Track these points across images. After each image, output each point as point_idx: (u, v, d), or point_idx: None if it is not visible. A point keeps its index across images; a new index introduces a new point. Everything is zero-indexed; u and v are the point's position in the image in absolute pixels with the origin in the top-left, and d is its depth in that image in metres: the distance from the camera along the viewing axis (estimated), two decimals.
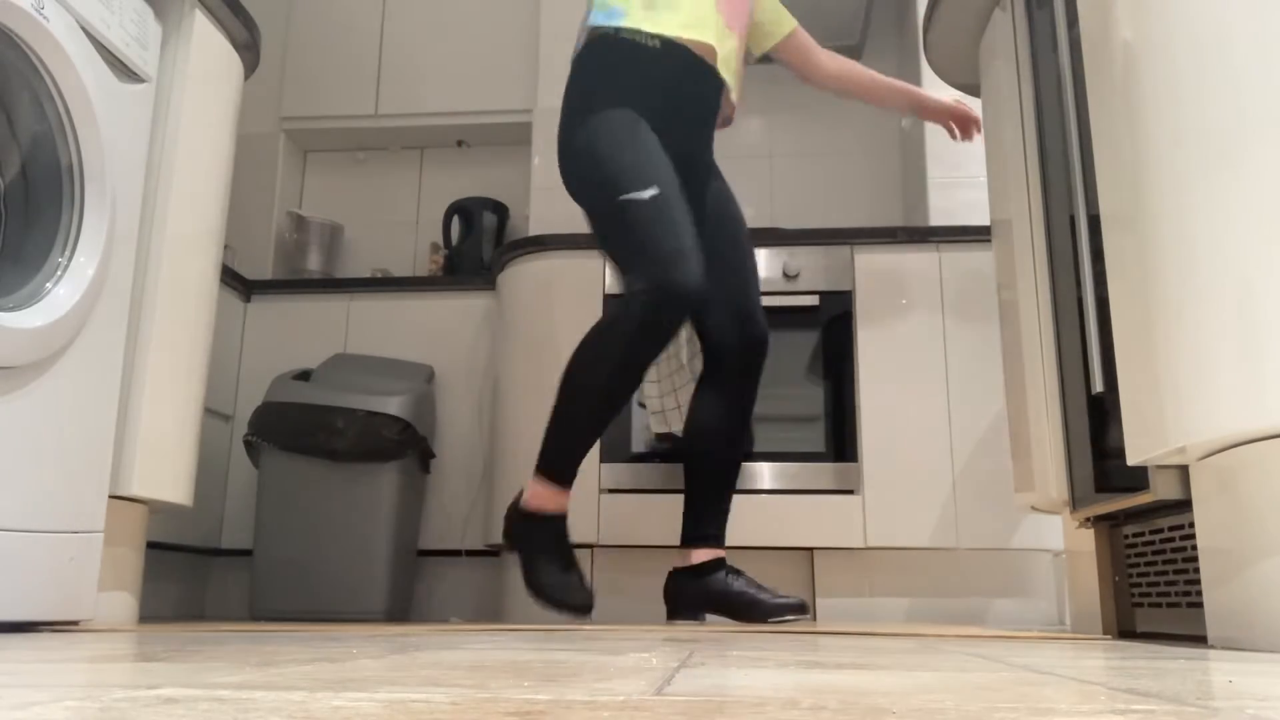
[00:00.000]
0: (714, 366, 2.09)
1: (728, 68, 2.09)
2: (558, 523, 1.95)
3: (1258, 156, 1.12)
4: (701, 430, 2.08)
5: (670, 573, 2.12)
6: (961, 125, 2.34)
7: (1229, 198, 1.14)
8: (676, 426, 2.50)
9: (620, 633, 1.55)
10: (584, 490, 2.54)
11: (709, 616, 2.08)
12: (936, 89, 2.96)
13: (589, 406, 1.89)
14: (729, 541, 2.48)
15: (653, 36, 2.01)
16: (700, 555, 2.06)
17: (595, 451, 2.55)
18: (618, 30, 2.02)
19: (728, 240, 2.10)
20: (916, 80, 3.15)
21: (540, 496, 1.94)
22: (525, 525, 1.95)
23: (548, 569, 1.92)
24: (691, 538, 2.08)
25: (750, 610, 1.98)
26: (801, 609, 1.98)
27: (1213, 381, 1.15)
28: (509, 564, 2.70)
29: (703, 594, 2.04)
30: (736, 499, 2.50)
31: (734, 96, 2.13)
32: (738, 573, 2.05)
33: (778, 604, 1.97)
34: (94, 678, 0.64)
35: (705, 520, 2.08)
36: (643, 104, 1.99)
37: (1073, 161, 1.56)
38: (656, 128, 1.98)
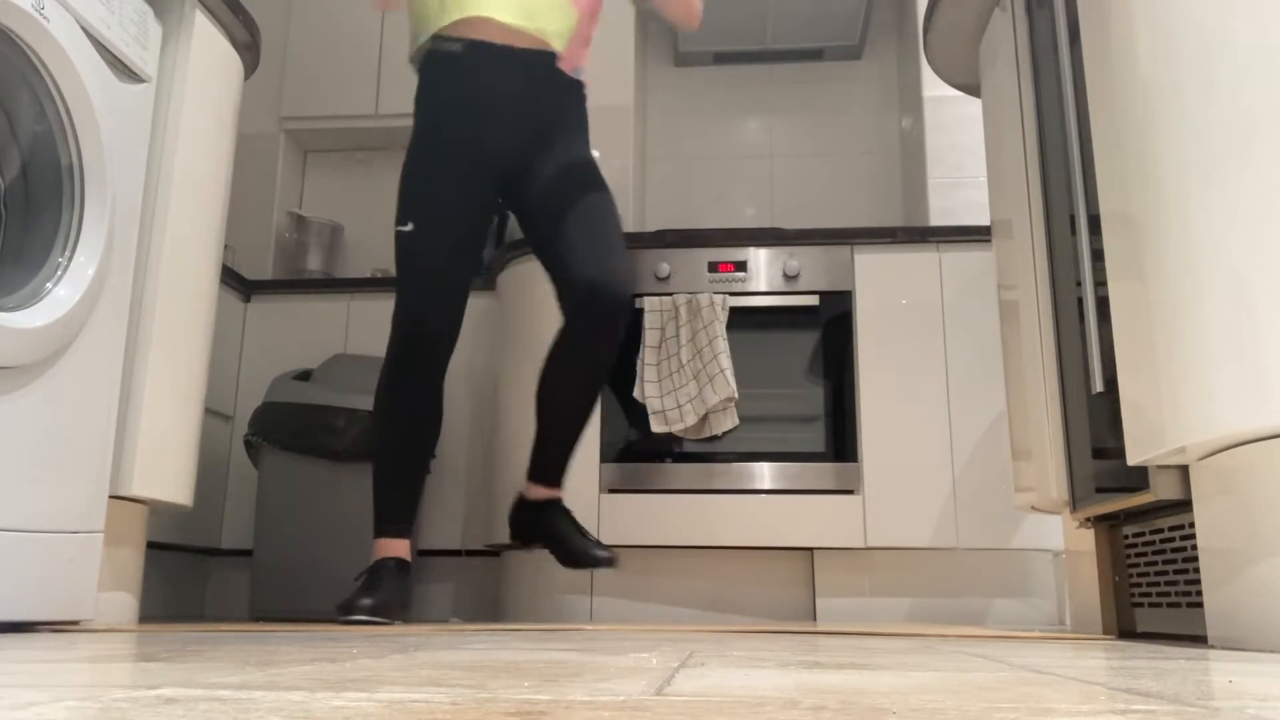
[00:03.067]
0: (568, 322, 2.05)
1: (534, 24, 2.03)
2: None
3: (1258, 156, 1.12)
4: (547, 378, 2.07)
5: (516, 502, 2.14)
6: None
7: (1229, 197, 1.14)
8: (676, 426, 2.50)
9: (620, 633, 1.55)
10: (584, 490, 2.54)
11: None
12: (936, 89, 2.96)
13: (391, 456, 2.04)
14: (727, 540, 2.48)
15: (450, 40, 2.03)
16: (539, 493, 2.08)
17: (595, 451, 2.56)
18: (427, 42, 2.07)
19: (561, 219, 2.03)
20: (917, 80, 3.15)
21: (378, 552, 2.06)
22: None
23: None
24: (536, 476, 2.10)
25: (570, 557, 2.02)
26: (610, 563, 1.99)
27: (1213, 382, 1.15)
28: (509, 564, 2.70)
29: (538, 528, 2.08)
30: (737, 498, 2.50)
31: (558, 46, 2.05)
32: (566, 514, 2.07)
33: (592, 554, 1.99)
34: (94, 678, 0.64)
35: (550, 463, 2.08)
36: (441, 118, 2.05)
37: (1073, 161, 1.57)
38: (461, 139, 2.03)
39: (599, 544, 2.01)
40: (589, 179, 2.08)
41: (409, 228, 2.00)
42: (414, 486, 2.06)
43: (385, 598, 1.93)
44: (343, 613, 1.91)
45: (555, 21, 2.04)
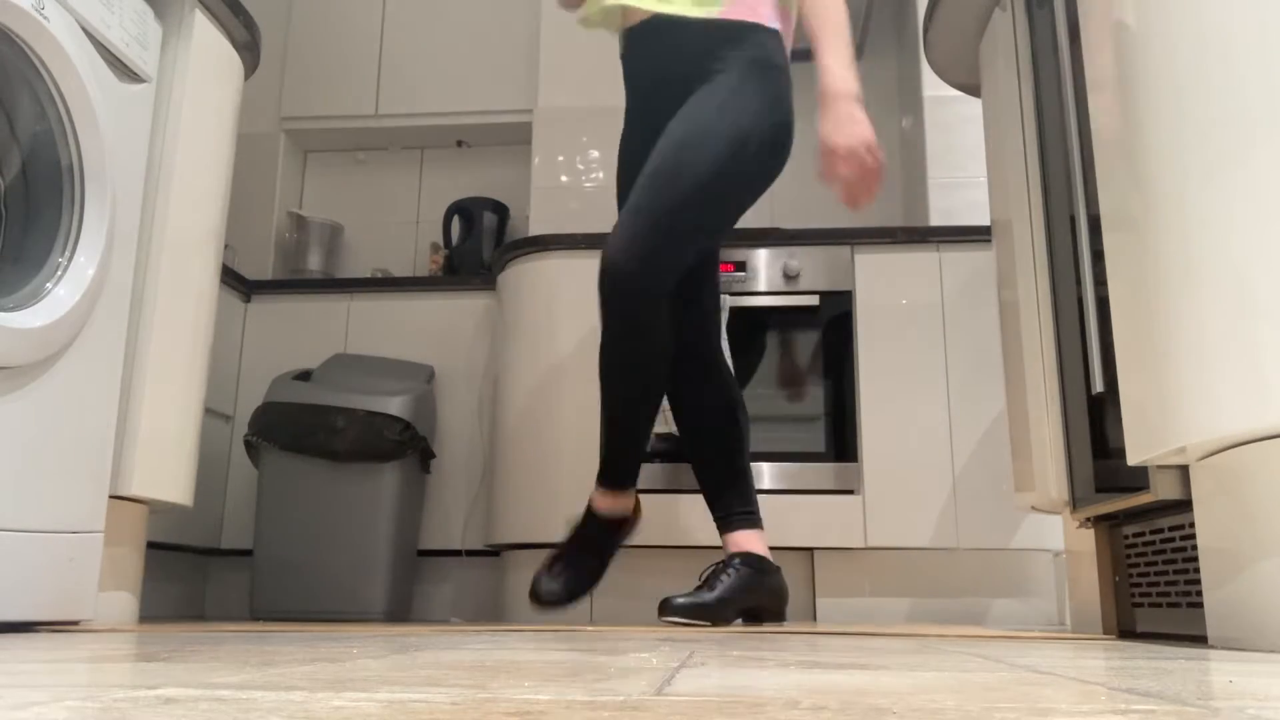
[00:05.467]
0: None
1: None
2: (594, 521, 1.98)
3: (1259, 156, 1.12)
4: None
5: None
6: (840, 182, 1.90)
7: (1230, 197, 1.14)
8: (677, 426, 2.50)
9: (620, 633, 1.55)
10: (583, 490, 2.54)
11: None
12: (936, 89, 2.96)
13: (614, 412, 1.94)
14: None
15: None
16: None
17: (594, 452, 2.55)
18: None
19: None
20: (917, 80, 3.15)
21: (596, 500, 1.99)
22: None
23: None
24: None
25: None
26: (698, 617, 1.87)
27: (1213, 381, 1.15)
28: (509, 564, 2.70)
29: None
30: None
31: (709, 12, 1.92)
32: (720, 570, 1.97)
33: (680, 604, 1.87)
34: (94, 678, 0.64)
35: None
36: (631, 105, 2.08)
37: (1073, 161, 1.57)
38: (643, 111, 2.03)
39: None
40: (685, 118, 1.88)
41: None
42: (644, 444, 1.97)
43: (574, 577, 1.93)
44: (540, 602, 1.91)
45: None
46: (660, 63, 1.99)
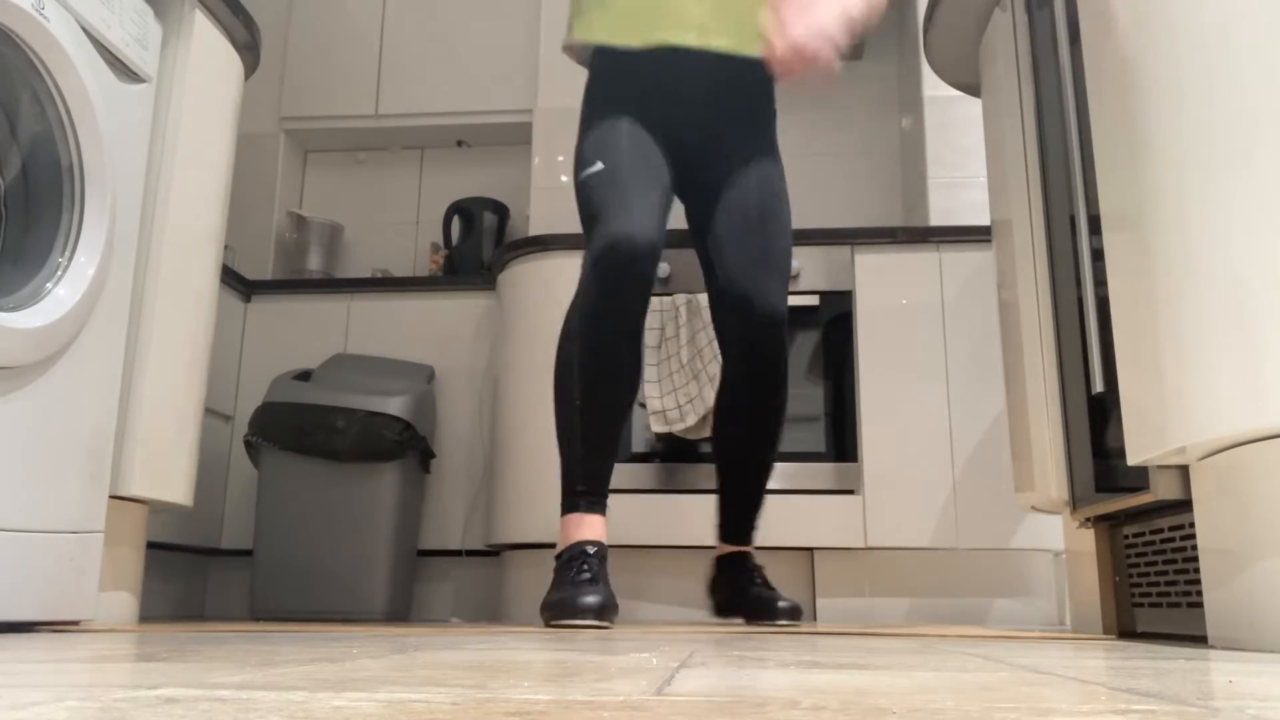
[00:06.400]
0: (725, 358, 2.04)
1: (718, 30, 1.91)
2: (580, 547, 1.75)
3: (1259, 156, 1.12)
4: (721, 427, 2.05)
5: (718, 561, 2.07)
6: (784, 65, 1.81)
7: (1230, 197, 1.14)
8: (677, 426, 2.50)
9: (620, 633, 1.55)
10: None
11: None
12: (936, 89, 2.96)
13: (584, 407, 1.79)
14: None
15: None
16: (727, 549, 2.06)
17: None
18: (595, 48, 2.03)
19: (741, 224, 2.00)
20: (917, 80, 3.15)
21: (567, 534, 1.77)
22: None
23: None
24: (726, 535, 2.07)
25: (762, 610, 1.95)
26: (795, 614, 1.93)
27: (1213, 381, 1.15)
28: (509, 564, 2.70)
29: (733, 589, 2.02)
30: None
31: (750, 51, 1.91)
32: (758, 568, 2.04)
33: (784, 608, 1.92)
34: (94, 678, 0.64)
35: (732, 519, 2.06)
36: (630, 102, 1.96)
37: (1073, 161, 1.57)
38: (652, 119, 1.94)
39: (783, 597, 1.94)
40: None
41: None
42: (613, 446, 1.78)
43: (607, 595, 1.65)
44: (556, 614, 1.63)
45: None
46: (678, 93, 1.98)
